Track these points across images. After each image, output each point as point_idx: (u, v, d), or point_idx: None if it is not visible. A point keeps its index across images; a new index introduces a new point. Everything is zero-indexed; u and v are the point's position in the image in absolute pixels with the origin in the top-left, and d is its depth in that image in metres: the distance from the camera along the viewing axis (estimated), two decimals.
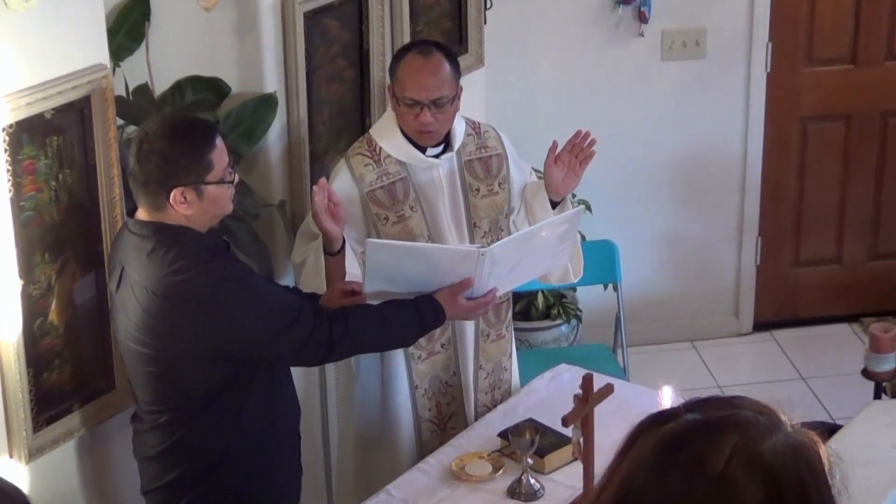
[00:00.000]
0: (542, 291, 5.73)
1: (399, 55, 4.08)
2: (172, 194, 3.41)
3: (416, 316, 3.76)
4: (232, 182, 3.51)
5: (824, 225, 6.39)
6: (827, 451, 1.62)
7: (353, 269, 3.89)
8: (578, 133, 4.16)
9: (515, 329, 4.80)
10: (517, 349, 4.55)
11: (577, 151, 4.13)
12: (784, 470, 1.56)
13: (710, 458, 1.56)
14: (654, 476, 1.58)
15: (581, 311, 5.90)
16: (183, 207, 3.43)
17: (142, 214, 3.49)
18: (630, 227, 6.09)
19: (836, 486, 1.61)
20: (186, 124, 3.55)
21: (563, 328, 5.83)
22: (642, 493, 1.58)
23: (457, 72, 4.04)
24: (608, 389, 3.77)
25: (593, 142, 4.14)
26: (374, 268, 3.74)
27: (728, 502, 1.54)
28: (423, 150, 4.06)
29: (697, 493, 1.55)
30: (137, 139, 3.45)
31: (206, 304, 3.43)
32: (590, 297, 5.90)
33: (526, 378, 4.49)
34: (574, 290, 5.90)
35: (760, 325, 6.47)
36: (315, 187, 3.81)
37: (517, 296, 5.59)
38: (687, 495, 1.55)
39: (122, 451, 3.85)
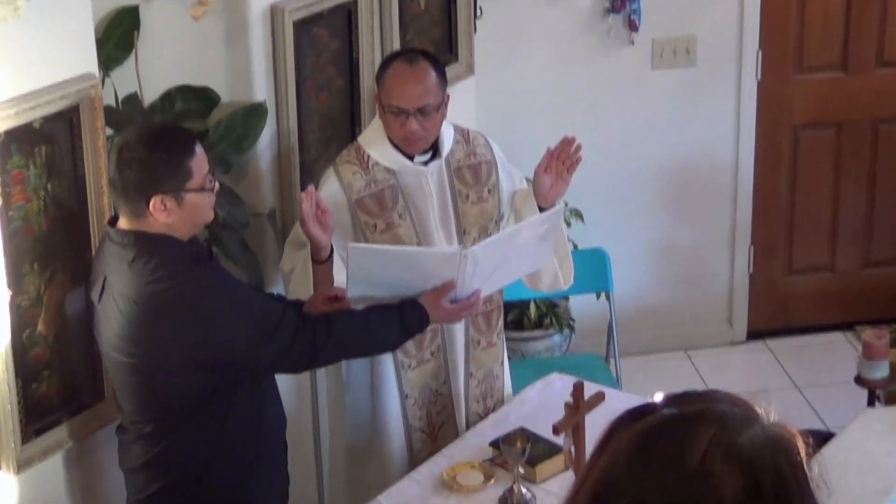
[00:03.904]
0: (535, 301, 5.72)
1: (385, 63, 4.09)
2: (152, 202, 3.40)
3: (399, 320, 3.76)
4: (212, 190, 3.51)
5: (817, 233, 6.39)
6: (804, 444, 1.61)
7: (340, 278, 3.87)
8: (565, 139, 4.16)
9: (508, 339, 4.79)
10: (509, 359, 4.54)
11: (563, 158, 4.13)
12: (762, 462, 1.56)
13: (688, 451, 1.56)
14: (631, 470, 1.58)
15: (574, 320, 5.89)
16: (163, 215, 3.42)
17: (123, 223, 3.49)
18: (622, 235, 6.08)
19: (815, 479, 1.61)
20: (165, 132, 3.56)
21: (556, 338, 5.82)
22: (620, 488, 1.57)
23: (443, 80, 4.04)
24: (599, 397, 3.76)
25: (579, 147, 4.14)
26: (357, 272, 3.73)
27: (706, 495, 1.54)
28: (411, 157, 4.06)
29: (675, 487, 1.55)
30: (117, 147, 3.45)
31: (188, 313, 3.42)
32: (582, 307, 5.89)
33: (518, 388, 4.48)
34: (566, 299, 5.89)
35: (754, 334, 6.45)
36: (303, 194, 3.81)
37: (509, 305, 5.58)
38: (664, 489, 1.55)
39: (110, 463, 3.83)
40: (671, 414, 1.62)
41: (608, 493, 1.58)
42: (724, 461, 1.55)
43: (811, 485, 1.59)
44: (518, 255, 3.96)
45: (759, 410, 1.62)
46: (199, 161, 3.46)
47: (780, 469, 1.57)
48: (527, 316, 5.76)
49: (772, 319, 6.46)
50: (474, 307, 3.92)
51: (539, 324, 5.79)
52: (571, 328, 5.87)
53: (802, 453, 1.60)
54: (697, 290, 6.33)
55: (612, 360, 5.50)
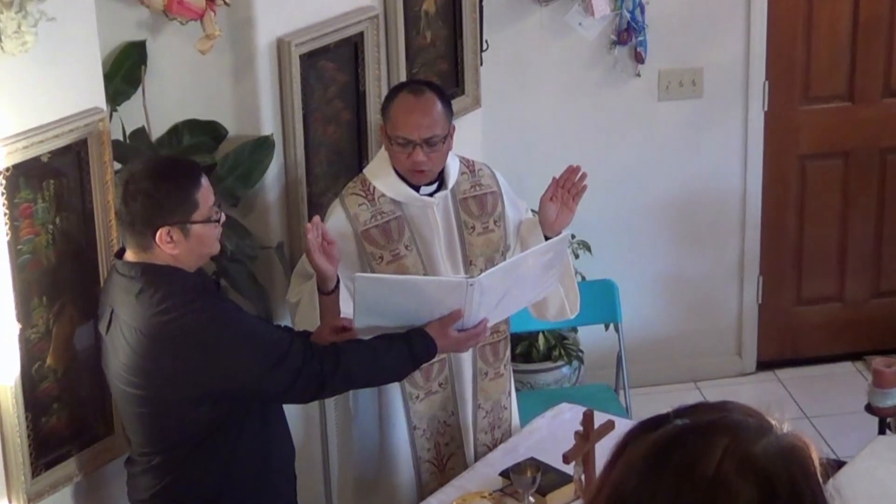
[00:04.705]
0: (543, 333, 5.71)
1: (391, 95, 4.10)
2: (158, 234, 3.41)
3: (407, 349, 3.75)
4: (218, 221, 3.52)
5: (825, 263, 6.38)
6: (818, 454, 1.61)
7: (347, 309, 3.87)
8: (570, 168, 4.17)
9: (517, 371, 4.77)
10: (518, 391, 4.53)
11: (568, 186, 4.14)
12: (776, 472, 1.55)
13: (702, 460, 1.55)
14: (645, 481, 1.57)
15: (583, 352, 5.88)
16: (169, 247, 3.43)
17: (130, 256, 3.50)
18: (630, 266, 6.08)
19: (828, 489, 1.60)
20: (171, 164, 3.59)
21: (565, 370, 5.81)
22: (634, 499, 1.56)
23: (449, 111, 4.05)
24: (609, 426, 3.75)
25: (584, 176, 4.15)
26: (364, 302, 3.73)
27: None
28: (416, 188, 4.06)
29: (689, 497, 1.54)
30: (123, 180, 3.47)
31: (195, 343, 3.43)
32: (591, 339, 5.88)
33: (527, 419, 4.47)
34: (575, 331, 5.89)
35: (763, 365, 6.44)
36: (308, 225, 3.82)
37: (518, 338, 5.57)
38: (678, 500, 1.54)
39: (119, 496, 3.83)
40: (684, 425, 1.61)
41: None
42: (739, 471, 1.54)
43: (825, 494, 1.58)
44: (524, 284, 3.96)
45: (772, 421, 1.62)
46: (205, 192, 3.48)
47: (795, 478, 1.56)
48: (535, 348, 5.75)
49: (781, 350, 6.45)
50: (481, 336, 3.92)
51: (548, 356, 5.78)
52: (580, 360, 5.86)
53: (816, 463, 1.60)
54: (706, 321, 6.32)
55: (621, 392, 5.49)
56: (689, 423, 1.61)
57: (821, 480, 1.59)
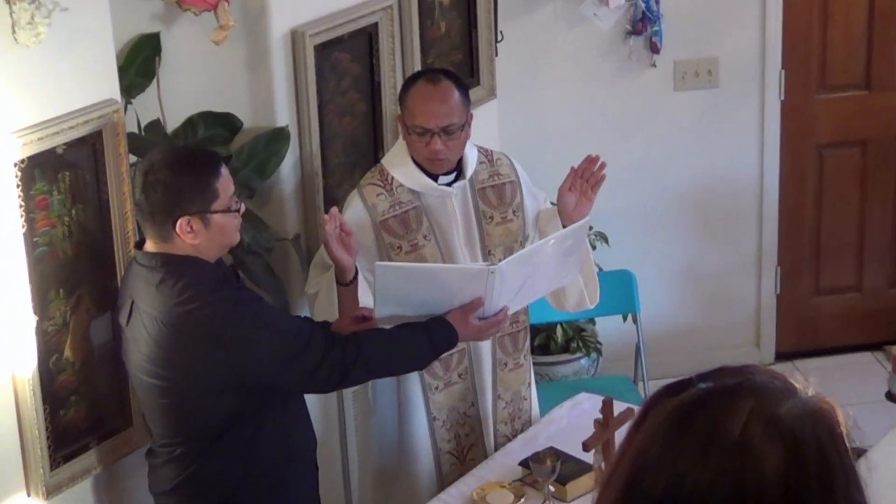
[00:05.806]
0: (562, 325, 5.70)
1: (408, 83, 4.08)
2: (178, 224, 3.40)
3: (428, 338, 3.73)
4: (238, 211, 3.51)
5: (843, 253, 6.35)
6: (844, 416, 1.58)
7: (366, 300, 3.85)
8: (589, 158, 4.14)
9: (535, 363, 4.75)
10: (537, 383, 4.51)
11: (587, 176, 4.11)
12: (803, 433, 1.52)
13: (727, 423, 1.52)
14: (668, 446, 1.53)
15: (601, 344, 5.86)
16: (189, 237, 3.42)
17: (150, 246, 3.49)
18: (647, 258, 6.05)
19: (860, 467, 1.57)
20: (191, 154, 3.57)
21: (584, 361, 5.79)
22: (657, 465, 1.53)
23: (466, 99, 4.03)
24: (628, 414, 3.74)
25: (603, 165, 4.13)
26: (384, 291, 3.71)
27: (747, 468, 1.50)
28: (435, 178, 4.05)
29: (714, 461, 1.50)
30: (142, 170, 3.45)
31: (216, 333, 3.42)
32: (609, 330, 5.86)
33: (546, 410, 4.45)
34: (593, 322, 5.87)
35: (782, 356, 6.41)
36: (326, 216, 3.80)
37: (536, 330, 5.55)
38: (704, 463, 1.51)
39: (139, 488, 3.83)
40: (708, 388, 1.58)
41: (645, 472, 1.54)
42: (765, 433, 1.51)
43: (851, 456, 1.56)
44: (544, 271, 3.94)
45: (797, 384, 1.59)
46: (225, 182, 3.47)
47: (822, 440, 1.53)
48: (553, 340, 5.74)
49: (800, 340, 6.42)
50: (502, 324, 3.90)
51: (566, 348, 5.76)
52: (599, 352, 5.84)
53: (842, 425, 1.57)
54: (724, 312, 6.30)
55: (640, 383, 5.47)
56: (713, 387, 1.58)
57: (847, 442, 1.56)
